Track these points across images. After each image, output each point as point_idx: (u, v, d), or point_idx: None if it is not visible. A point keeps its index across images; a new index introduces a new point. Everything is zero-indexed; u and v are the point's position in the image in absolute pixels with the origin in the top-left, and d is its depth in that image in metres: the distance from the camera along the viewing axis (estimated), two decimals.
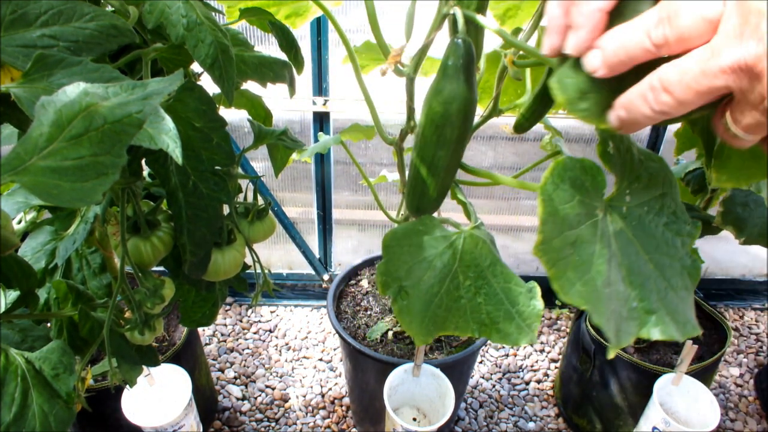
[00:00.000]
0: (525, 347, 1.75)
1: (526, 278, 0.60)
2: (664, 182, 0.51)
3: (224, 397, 1.56)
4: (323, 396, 1.57)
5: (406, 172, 0.89)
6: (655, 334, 0.45)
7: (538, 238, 0.41)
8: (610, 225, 0.46)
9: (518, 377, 1.66)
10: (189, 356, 1.31)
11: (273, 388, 1.59)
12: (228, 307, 1.85)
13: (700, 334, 0.47)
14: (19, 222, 0.65)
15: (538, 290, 0.57)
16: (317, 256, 1.81)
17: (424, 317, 0.59)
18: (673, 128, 1.51)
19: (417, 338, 0.59)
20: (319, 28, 1.34)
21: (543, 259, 0.41)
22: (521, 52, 0.66)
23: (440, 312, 0.59)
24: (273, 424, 1.50)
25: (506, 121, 0.92)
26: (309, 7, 0.80)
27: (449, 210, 0.73)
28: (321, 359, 1.69)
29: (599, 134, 0.46)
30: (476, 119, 0.81)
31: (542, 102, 0.74)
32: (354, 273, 1.41)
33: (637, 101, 0.34)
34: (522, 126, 0.77)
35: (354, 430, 1.49)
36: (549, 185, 0.42)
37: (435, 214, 0.67)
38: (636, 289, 0.45)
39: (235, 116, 1.44)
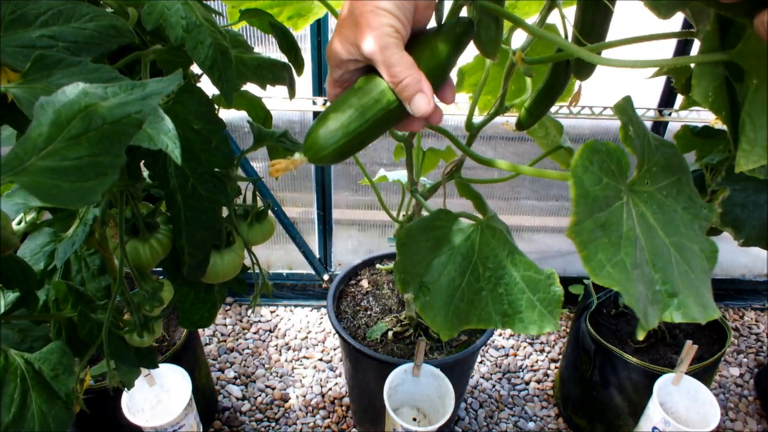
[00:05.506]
0: (525, 347, 1.75)
1: None
2: (678, 167, 0.51)
3: (224, 397, 1.56)
4: (323, 396, 1.57)
5: (414, 168, 0.89)
6: (677, 317, 0.45)
7: (572, 219, 0.41)
8: (633, 208, 0.46)
9: (518, 377, 1.66)
10: (189, 356, 1.31)
11: (273, 388, 1.59)
12: (228, 307, 1.85)
13: (719, 316, 0.47)
14: (19, 223, 0.64)
15: (556, 276, 0.57)
16: (317, 256, 1.81)
17: (447, 312, 0.59)
18: (673, 129, 1.51)
19: (442, 333, 0.60)
20: (319, 28, 1.34)
21: (576, 240, 0.41)
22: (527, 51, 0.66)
23: (463, 305, 0.59)
24: (273, 424, 1.50)
25: (505, 120, 0.92)
26: (312, 7, 0.80)
27: (458, 205, 0.73)
28: (321, 359, 1.69)
29: (620, 119, 0.46)
30: (481, 118, 0.81)
31: (547, 97, 0.74)
32: (354, 273, 1.41)
33: None
34: (527, 122, 0.77)
35: (354, 430, 1.49)
36: (579, 167, 0.43)
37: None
38: (659, 272, 0.46)
39: (235, 116, 1.44)
